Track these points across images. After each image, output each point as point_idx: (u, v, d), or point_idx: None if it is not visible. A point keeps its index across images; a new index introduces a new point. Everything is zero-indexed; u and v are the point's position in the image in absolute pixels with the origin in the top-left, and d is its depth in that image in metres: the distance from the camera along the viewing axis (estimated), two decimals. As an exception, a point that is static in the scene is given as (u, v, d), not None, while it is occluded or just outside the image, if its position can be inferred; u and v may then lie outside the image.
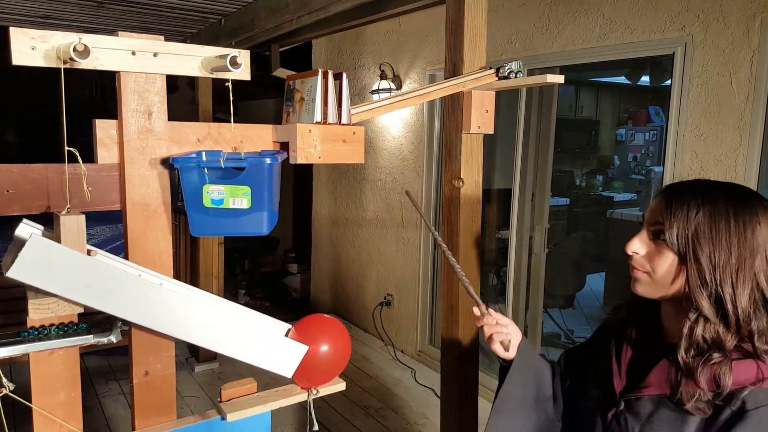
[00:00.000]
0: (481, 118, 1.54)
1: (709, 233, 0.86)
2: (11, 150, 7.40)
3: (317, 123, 1.32)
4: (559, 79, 1.44)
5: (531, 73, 2.94)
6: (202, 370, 4.00)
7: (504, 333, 1.10)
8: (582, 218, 5.47)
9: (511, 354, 1.11)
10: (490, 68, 1.55)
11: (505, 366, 1.14)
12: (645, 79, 5.39)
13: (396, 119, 4.17)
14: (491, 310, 1.14)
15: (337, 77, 1.31)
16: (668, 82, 2.73)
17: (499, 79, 1.51)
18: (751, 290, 0.85)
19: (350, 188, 4.78)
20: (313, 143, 1.32)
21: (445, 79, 1.58)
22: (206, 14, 3.45)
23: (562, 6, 2.89)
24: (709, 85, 2.38)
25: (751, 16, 2.23)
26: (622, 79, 6.00)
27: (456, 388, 1.76)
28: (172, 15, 3.44)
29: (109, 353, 4.03)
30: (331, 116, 1.32)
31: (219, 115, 4.27)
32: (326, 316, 1.45)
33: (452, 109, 1.60)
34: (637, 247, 0.95)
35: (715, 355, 0.84)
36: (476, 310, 1.14)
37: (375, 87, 3.99)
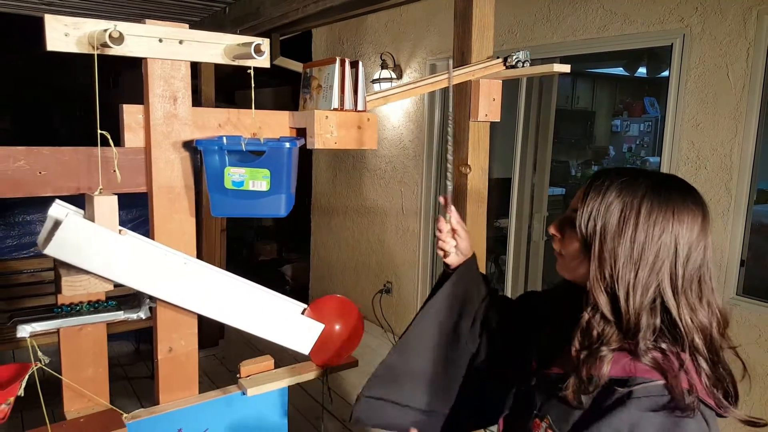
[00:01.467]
0: (488, 106, 1.59)
1: (616, 227, 0.82)
2: (6, 136, 7.37)
3: (334, 110, 1.36)
4: (565, 68, 1.49)
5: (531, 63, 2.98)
6: (204, 355, 4.06)
7: (449, 245, 1.14)
8: (578, 208, 5.53)
9: (451, 263, 1.16)
10: (498, 57, 1.59)
11: (445, 273, 1.19)
12: (641, 71, 5.45)
13: (396, 108, 4.20)
14: (453, 218, 1.14)
15: (353, 65, 1.35)
16: (665, 73, 2.78)
17: (507, 68, 1.56)
18: (649, 291, 0.81)
19: (350, 177, 4.82)
20: (330, 129, 1.37)
21: (453, 68, 1.62)
22: (210, 2, 3.46)
23: (563, -3, 2.94)
24: (706, 75, 2.44)
25: (748, 8, 2.28)
26: (617, 70, 6.05)
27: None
28: (176, 3, 3.45)
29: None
30: (348, 103, 1.36)
31: (217, 104, 4.29)
32: (339, 296, 1.51)
33: (459, 98, 1.64)
34: (554, 229, 0.94)
35: (603, 349, 0.81)
36: (442, 200, 1.16)
37: (376, 76, 4.02)
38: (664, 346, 0.81)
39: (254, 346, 3.98)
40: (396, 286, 4.40)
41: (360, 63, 1.34)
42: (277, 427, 1.45)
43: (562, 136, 6.01)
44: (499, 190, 3.88)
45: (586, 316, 0.84)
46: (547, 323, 1.01)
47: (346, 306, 1.50)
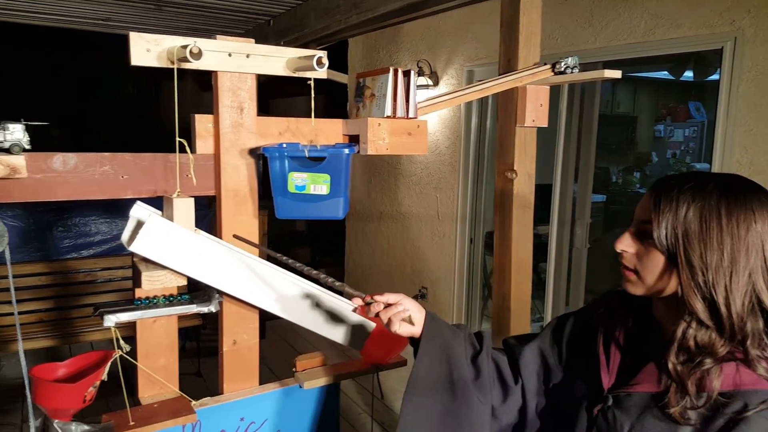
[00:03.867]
0: (535, 112, 1.63)
1: (700, 233, 0.80)
2: (57, 145, 7.74)
3: (386, 117, 1.43)
4: (616, 74, 1.52)
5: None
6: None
7: (401, 311, 1.01)
8: (619, 215, 5.48)
9: (416, 330, 1.03)
10: (545, 64, 1.63)
11: (414, 346, 1.07)
12: (686, 74, 5.36)
13: (432, 114, 4.25)
14: (375, 296, 1.03)
15: (406, 74, 1.42)
16: (713, 77, 2.76)
17: (555, 74, 1.60)
18: (746, 293, 0.79)
19: (385, 183, 4.89)
20: (382, 136, 1.44)
21: (499, 74, 1.67)
22: (256, 15, 3.61)
23: (607, 1, 2.95)
24: (759, 79, 2.40)
25: (802, 11, 2.26)
26: (660, 74, 5.95)
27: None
28: (224, 16, 3.61)
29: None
30: (400, 110, 1.43)
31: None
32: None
33: (506, 104, 1.69)
34: (626, 245, 0.89)
35: (707, 360, 0.79)
36: (357, 301, 1.04)
37: (414, 84, 4.09)
38: None
39: (292, 346, 4.09)
40: (432, 291, 4.44)
41: (412, 72, 1.41)
42: (329, 420, 1.52)
43: (602, 142, 5.94)
44: (538, 197, 3.88)
45: (681, 326, 0.81)
46: (609, 340, 0.95)
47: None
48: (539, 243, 4.10)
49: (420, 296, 4.51)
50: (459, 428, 1.00)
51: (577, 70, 1.58)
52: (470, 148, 3.93)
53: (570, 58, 1.57)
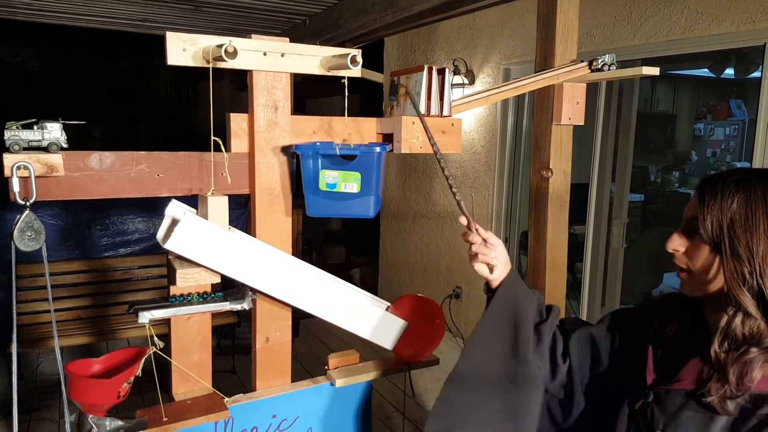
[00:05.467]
0: (572, 110, 1.59)
1: (746, 222, 0.80)
2: (97, 144, 7.99)
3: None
4: (654, 71, 1.48)
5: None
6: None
7: (490, 256, 1.04)
8: (657, 215, 5.33)
9: (493, 278, 1.06)
10: (582, 61, 1.59)
11: (488, 295, 1.10)
12: (727, 72, 5.17)
13: (468, 113, 4.22)
14: (480, 228, 1.06)
15: (440, 72, 1.40)
16: (755, 74, 2.65)
17: (592, 71, 1.56)
18: None
19: (419, 182, 4.87)
20: (416, 134, 1.42)
21: (535, 72, 1.64)
22: (292, 15, 3.64)
23: (646, -2, 2.87)
24: (804, 76, 2.31)
25: None
26: (700, 72, 5.76)
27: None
28: (260, 16, 3.65)
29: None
30: (434, 109, 1.41)
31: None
32: (422, 296, 1.55)
33: (542, 101, 1.65)
34: (677, 244, 0.89)
35: (753, 350, 0.78)
36: (463, 220, 1.07)
37: (448, 82, 4.06)
38: None
39: (325, 344, 4.11)
40: (466, 291, 4.40)
41: (447, 70, 1.39)
42: (362, 418, 1.51)
43: (640, 141, 5.80)
44: (574, 196, 3.81)
45: (725, 317, 0.81)
46: (659, 339, 0.96)
47: (428, 305, 1.54)
48: (575, 242, 4.02)
49: (454, 296, 4.48)
50: (514, 385, 1.02)
51: (615, 68, 1.53)
52: (506, 147, 3.88)
53: (607, 55, 1.52)
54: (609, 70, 1.53)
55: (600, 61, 1.53)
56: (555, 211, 1.70)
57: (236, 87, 6.23)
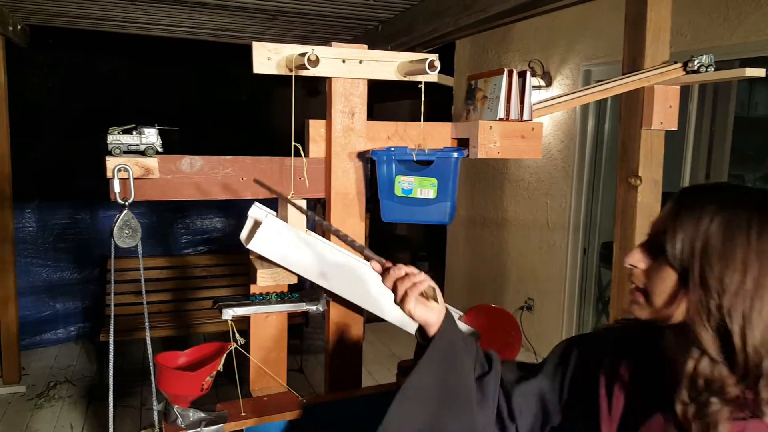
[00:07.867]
0: (663, 114, 1.51)
1: (722, 249, 0.68)
2: (176, 148, 8.40)
3: (499, 120, 1.39)
4: (759, 72, 1.37)
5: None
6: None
7: (419, 281, 0.87)
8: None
9: (431, 320, 0.88)
10: (675, 62, 1.51)
11: (422, 344, 0.92)
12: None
13: (543, 117, 4.10)
14: (398, 264, 0.90)
15: (521, 75, 1.37)
16: None
17: (687, 73, 1.47)
18: (767, 325, 0.67)
19: (489, 188, 4.78)
20: (493, 139, 1.40)
21: (623, 74, 1.57)
22: (365, 21, 3.68)
23: (743, -6, 2.67)
24: None
25: None
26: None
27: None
28: (335, 24, 3.72)
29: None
30: (513, 113, 1.38)
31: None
32: (496, 306, 1.52)
33: (630, 105, 1.58)
34: (636, 259, 0.77)
35: (713, 400, 0.68)
36: (375, 265, 0.91)
37: (523, 86, 3.96)
38: None
39: (390, 349, 4.11)
40: (538, 303, 4.27)
41: (528, 73, 1.35)
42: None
43: (736, 147, 5.42)
44: (660, 205, 3.61)
45: (691, 362, 0.70)
46: (614, 379, 0.83)
47: (502, 316, 1.51)
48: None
49: (526, 308, 4.35)
50: None
51: (713, 69, 1.44)
52: (585, 152, 3.72)
53: (704, 56, 1.43)
54: (706, 71, 1.44)
55: (696, 62, 1.44)
56: (644, 222, 1.62)
57: (306, 93, 6.40)
